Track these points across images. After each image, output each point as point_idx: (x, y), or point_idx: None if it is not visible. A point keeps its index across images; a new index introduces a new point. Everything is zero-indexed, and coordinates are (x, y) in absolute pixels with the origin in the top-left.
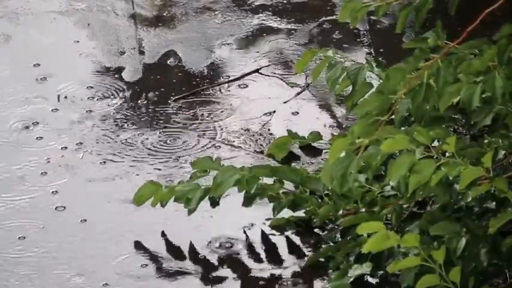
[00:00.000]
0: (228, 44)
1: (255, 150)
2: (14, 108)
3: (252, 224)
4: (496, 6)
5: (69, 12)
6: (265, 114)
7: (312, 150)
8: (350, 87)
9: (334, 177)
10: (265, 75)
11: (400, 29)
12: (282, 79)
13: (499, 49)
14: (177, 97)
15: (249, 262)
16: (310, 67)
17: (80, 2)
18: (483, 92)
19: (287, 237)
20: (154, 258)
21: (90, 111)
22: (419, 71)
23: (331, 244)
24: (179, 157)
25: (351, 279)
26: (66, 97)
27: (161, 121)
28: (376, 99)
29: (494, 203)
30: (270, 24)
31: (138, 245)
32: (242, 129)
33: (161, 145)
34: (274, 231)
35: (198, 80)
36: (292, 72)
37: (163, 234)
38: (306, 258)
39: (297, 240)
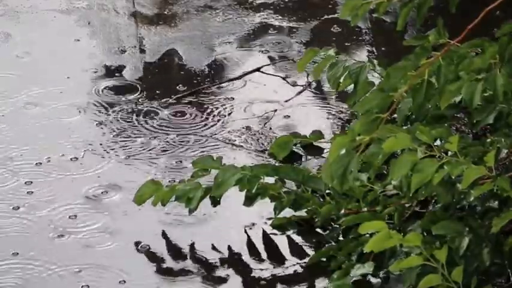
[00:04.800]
0: (229, 42)
1: (256, 149)
2: (13, 107)
3: (253, 224)
4: (497, 3)
5: (70, 10)
6: (267, 113)
7: (313, 150)
8: (351, 86)
9: (334, 175)
10: (267, 73)
11: (401, 27)
12: (283, 78)
13: (500, 46)
14: (177, 96)
15: (250, 262)
16: (312, 66)
17: (80, 0)
18: (485, 91)
19: (288, 237)
20: (154, 258)
21: (90, 110)
22: (420, 68)
23: (333, 244)
24: (180, 156)
25: (353, 279)
26: (66, 96)
27: (162, 120)
28: (376, 97)
29: (496, 202)
30: (272, 23)
31: (138, 245)
32: (243, 128)
33: (162, 144)
34: (275, 231)
35: (199, 78)
36: (293, 70)
37: (163, 234)
38: (307, 258)
39: (298, 239)
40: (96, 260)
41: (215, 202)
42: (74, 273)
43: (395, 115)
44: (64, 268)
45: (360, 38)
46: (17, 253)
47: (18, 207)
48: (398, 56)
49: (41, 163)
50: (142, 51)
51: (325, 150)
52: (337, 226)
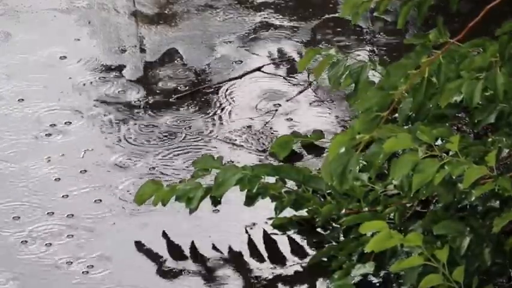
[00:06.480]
0: (230, 41)
1: (257, 149)
2: (14, 106)
3: (254, 224)
4: (498, 2)
5: (70, 10)
6: (267, 112)
7: (314, 149)
8: (352, 85)
9: (333, 174)
10: (267, 73)
11: (401, 25)
12: (284, 77)
13: (501, 45)
14: (178, 95)
15: (251, 262)
16: (313, 65)
17: (80, 0)
18: (485, 90)
19: (289, 237)
20: (154, 258)
21: (91, 109)
22: (421, 67)
23: (334, 243)
24: (180, 156)
25: (354, 279)
26: (66, 95)
27: (162, 119)
28: (376, 95)
29: (498, 202)
30: (272, 22)
31: (139, 245)
32: (244, 127)
33: (162, 144)
34: (276, 231)
35: (199, 78)
36: (294, 70)
37: (163, 234)
38: (308, 258)
39: (299, 239)
40: (97, 260)
41: (216, 202)
42: (79, 272)
43: (396, 115)
44: (70, 268)
45: (361, 38)
46: None
47: None
48: (399, 55)
49: (43, 165)
50: (142, 50)
51: (326, 150)
52: (338, 226)
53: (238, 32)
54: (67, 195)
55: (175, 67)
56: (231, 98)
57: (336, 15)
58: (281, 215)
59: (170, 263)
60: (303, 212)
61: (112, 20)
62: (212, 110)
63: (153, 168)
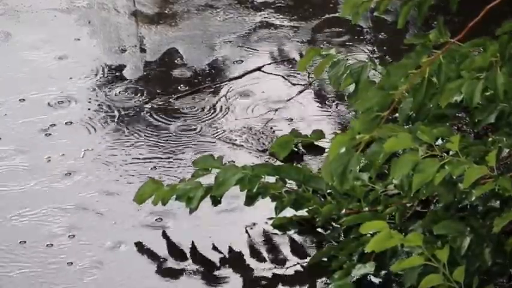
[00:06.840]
0: (230, 41)
1: (257, 149)
2: (14, 106)
3: (254, 223)
4: (498, 1)
5: (70, 9)
6: (268, 112)
7: (314, 149)
8: (353, 85)
9: (333, 174)
10: (268, 73)
11: (401, 25)
12: (284, 77)
13: (501, 45)
14: (178, 95)
15: (251, 262)
16: (313, 65)
17: (80, 0)
18: (486, 90)
19: (289, 237)
20: (154, 258)
21: (91, 109)
22: (421, 67)
23: (334, 243)
24: (181, 155)
25: (354, 279)
26: (66, 95)
27: (162, 119)
28: (376, 95)
29: (498, 202)
30: (273, 22)
31: (139, 245)
32: (244, 127)
33: (162, 143)
34: (276, 231)
35: (199, 78)
36: (294, 70)
37: (163, 234)
38: (308, 258)
39: (299, 239)
40: (98, 259)
41: (216, 202)
42: (79, 271)
43: (396, 114)
44: (71, 268)
45: (361, 37)
46: None
47: None
48: (400, 55)
49: (43, 165)
50: (142, 50)
51: (326, 150)
52: (338, 226)
53: (239, 31)
54: (67, 195)
55: (175, 67)
56: (231, 98)
57: (336, 15)
58: (281, 215)
59: (170, 263)
60: (303, 212)
61: (112, 20)
62: (212, 109)
63: (154, 167)
